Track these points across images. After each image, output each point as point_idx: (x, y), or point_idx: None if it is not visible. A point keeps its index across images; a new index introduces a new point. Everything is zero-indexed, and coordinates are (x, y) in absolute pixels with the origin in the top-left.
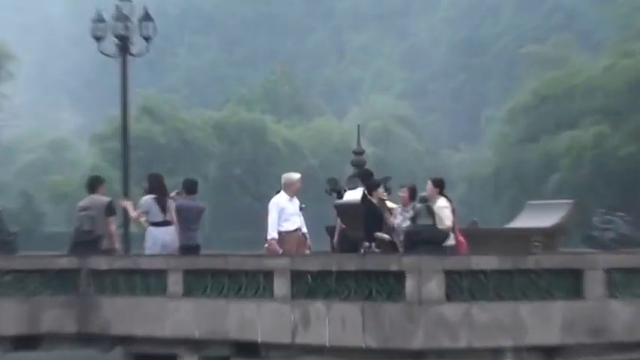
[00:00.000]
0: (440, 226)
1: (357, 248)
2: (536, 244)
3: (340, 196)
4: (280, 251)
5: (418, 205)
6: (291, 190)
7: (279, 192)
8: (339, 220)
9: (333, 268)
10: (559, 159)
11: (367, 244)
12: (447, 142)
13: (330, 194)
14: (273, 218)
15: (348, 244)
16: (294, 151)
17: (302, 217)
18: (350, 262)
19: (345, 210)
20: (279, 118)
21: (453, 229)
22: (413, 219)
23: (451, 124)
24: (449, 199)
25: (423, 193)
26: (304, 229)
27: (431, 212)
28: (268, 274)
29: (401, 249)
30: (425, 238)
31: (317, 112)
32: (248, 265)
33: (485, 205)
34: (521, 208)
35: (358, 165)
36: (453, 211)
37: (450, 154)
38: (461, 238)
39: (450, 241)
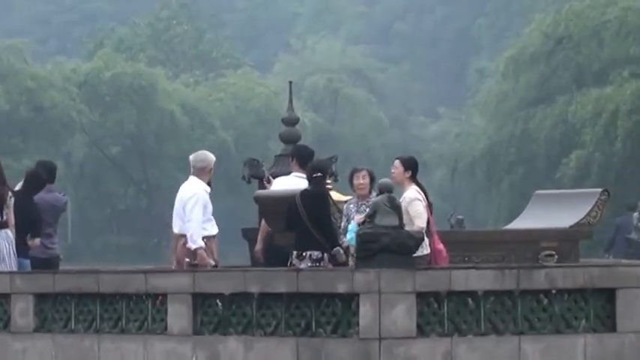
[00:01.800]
0: (409, 228)
1: (290, 261)
2: (549, 252)
3: (263, 185)
4: (211, 265)
5: (377, 198)
6: (208, 176)
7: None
8: (263, 220)
9: (254, 290)
10: (581, 130)
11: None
12: (421, 106)
13: (248, 182)
14: (199, 218)
15: (276, 255)
16: (197, 120)
17: None
18: (279, 281)
19: (274, 206)
20: (176, 73)
21: (427, 231)
22: (370, 217)
23: (426, 81)
24: (422, 189)
25: (385, 180)
26: None
27: (396, 208)
28: (160, 299)
29: (352, 262)
30: (387, 246)
31: (230, 63)
32: (131, 285)
33: (474, 197)
34: (527, 200)
35: (290, 140)
36: (429, 206)
37: (424, 123)
38: (439, 246)
39: (424, 250)
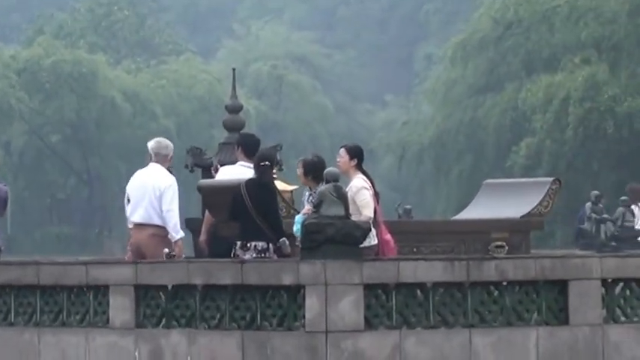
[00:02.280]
0: (355, 218)
1: (234, 252)
2: (499, 243)
3: (208, 174)
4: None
5: (323, 187)
6: (169, 163)
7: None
8: (207, 210)
9: (198, 282)
10: (532, 117)
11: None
12: (368, 93)
13: (191, 170)
14: (176, 209)
15: (220, 246)
16: (139, 107)
17: None
18: (223, 273)
19: (218, 195)
20: (117, 59)
21: (374, 222)
22: (316, 207)
23: (373, 68)
24: (369, 178)
25: (331, 169)
26: None
27: (342, 197)
28: (101, 292)
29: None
30: (332, 237)
31: (172, 49)
32: (71, 277)
33: (422, 186)
34: (476, 190)
35: (234, 127)
36: (376, 195)
37: (371, 110)
38: (387, 236)
39: (371, 240)
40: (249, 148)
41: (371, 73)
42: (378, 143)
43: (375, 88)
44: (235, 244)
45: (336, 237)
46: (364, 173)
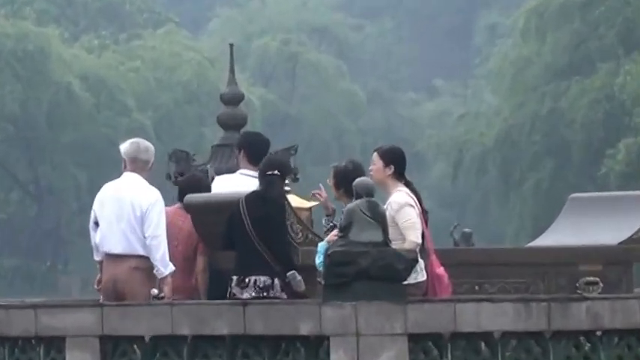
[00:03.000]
0: (397, 245)
1: (230, 290)
2: (590, 279)
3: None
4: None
5: (352, 204)
6: (148, 173)
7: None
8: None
9: (185, 331)
10: (633, 110)
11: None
12: (410, 77)
13: (175, 181)
14: (164, 235)
15: (217, 283)
16: (104, 97)
17: None
18: (219, 319)
19: (212, 215)
20: (74, 34)
21: (422, 250)
22: (343, 230)
23: (417, 43)
24: (414, 191)
25: (363, 179)
26: None
27: (378, 216)
28: (55, 345)
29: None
30: (366, 270)
31: (148, 20)
32: (15, 324)
33: (485, 202)
34: (559, 207)
35: (232, 124)
36: (424, 214)
37: (416, 100)
38: (439, 270)
39: (418, 276)
40: (254, 151)
41: (414, 50)
42: (426, 144)
43: (421, 70)
44: (231, 280)
45: (371, 270)
46: (407, 185)
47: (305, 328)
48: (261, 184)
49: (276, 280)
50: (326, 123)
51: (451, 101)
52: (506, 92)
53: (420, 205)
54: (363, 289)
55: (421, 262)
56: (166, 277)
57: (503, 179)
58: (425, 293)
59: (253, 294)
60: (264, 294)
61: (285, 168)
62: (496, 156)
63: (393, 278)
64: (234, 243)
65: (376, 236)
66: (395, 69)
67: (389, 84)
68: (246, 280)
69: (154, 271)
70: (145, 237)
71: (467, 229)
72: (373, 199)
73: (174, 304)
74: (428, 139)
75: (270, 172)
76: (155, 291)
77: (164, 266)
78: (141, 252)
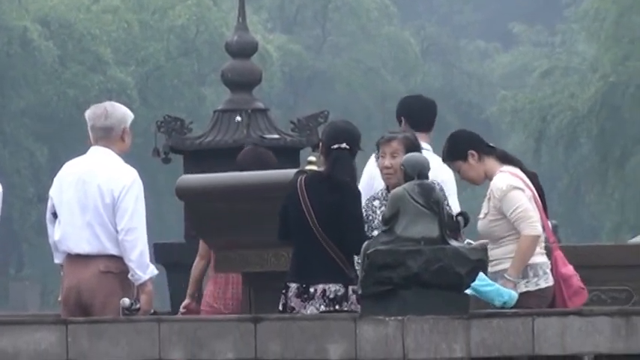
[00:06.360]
0: (509, 244)
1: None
2: None
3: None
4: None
5: (399, 189)
6: (123, 145)
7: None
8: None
9: (176, 356)
10: None
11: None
12: (478, 21)
13: (165, 159)
14: (142, 228)
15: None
16: (71, 47)
17: None
18: (221, 339)
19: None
20: None
21: (546, 245)
22: (387, 222)
23: None
24: (519, 167)
25: (413, 155)
26: None
27: (435, 203)
28: None
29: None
30: (417, 275)
31: None
32: None
33: (576, 184)
34: None
35: (241, 82)
36: (541, 198)
37: (486, 51)
38: (565, 269)
39: (540, 280)
40: (421, 117)
41: None
42: (499, 110)
43: (492, 11)
44: (287, 288)
45: (424, 275)
46: (506, 159)
47: (336, 352)
48: (326, 161)
49: (351, 289)
50: (366, 82)
51: (532, 53)
52: (606, 41)
53: (535, 184)
54: (412, 300)
55: (546, 261)
56: (145, 283)
57: (599, 156)
58: (551, 304)
59: (322, 307)
60: (337, 307)
61: (354, 139)
62: (591, 126)
63: (451, 285)
64: (286, 237)
65: (431, 230)
66: (459, 10)
67: (449, 30)
68: (311, 289)
69: (129, 276)
70: (117, 231)
71: (552, 221)
72: (427, 181)
73: (162, 319)
74: (501, 102)
75: (336, 146)
76: (127, 301)
77: (142, 269)
78: (112, 251)
